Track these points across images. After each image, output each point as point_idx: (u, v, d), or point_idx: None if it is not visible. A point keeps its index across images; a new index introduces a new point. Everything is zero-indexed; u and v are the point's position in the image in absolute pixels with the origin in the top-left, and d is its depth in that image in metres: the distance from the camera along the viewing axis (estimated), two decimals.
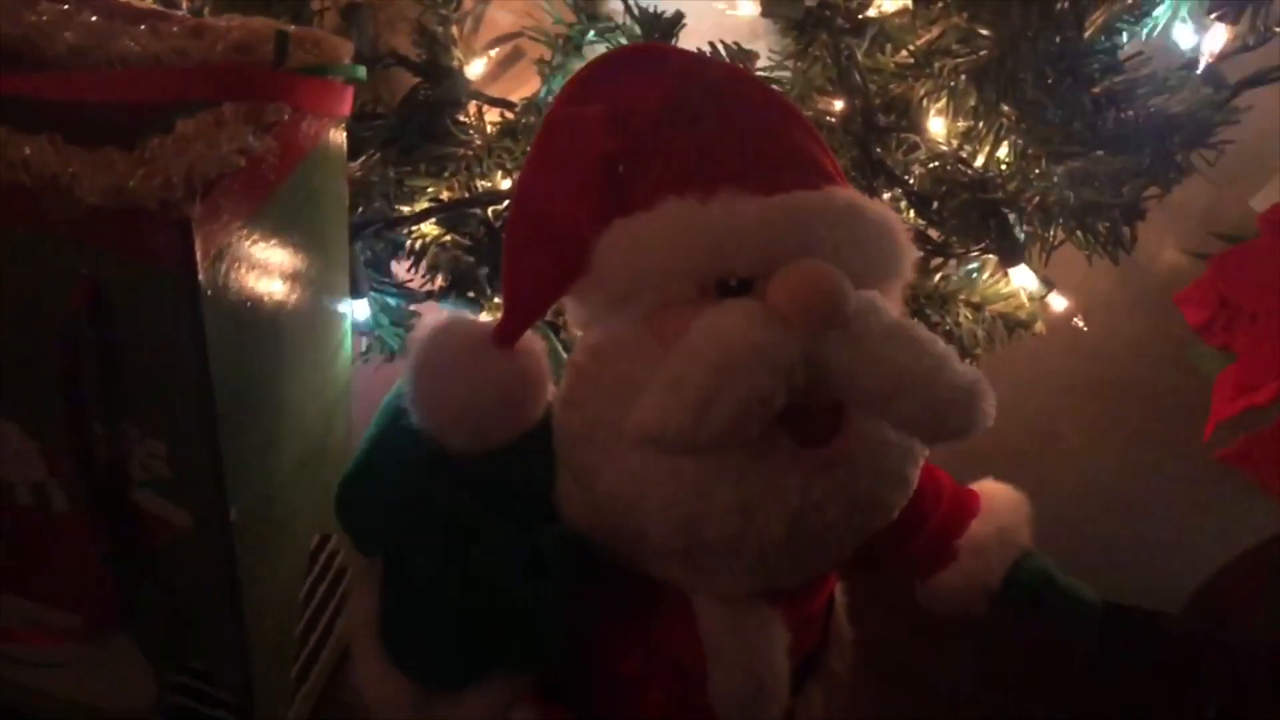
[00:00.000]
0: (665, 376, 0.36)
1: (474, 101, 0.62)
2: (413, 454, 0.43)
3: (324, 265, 0.53)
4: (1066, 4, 0.52)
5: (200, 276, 0.41)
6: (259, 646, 0.57)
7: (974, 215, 0.53)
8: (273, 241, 0.47)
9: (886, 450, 0.40)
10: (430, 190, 0.62)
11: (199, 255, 0.41)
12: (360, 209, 0.57)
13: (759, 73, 0.56)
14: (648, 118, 0.40)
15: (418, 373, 0.42)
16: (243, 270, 0.45)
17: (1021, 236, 0.54)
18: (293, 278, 0.50)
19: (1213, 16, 0.50)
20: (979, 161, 0.56)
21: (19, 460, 0.51)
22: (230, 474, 0.48)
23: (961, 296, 0.58)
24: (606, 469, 0.40)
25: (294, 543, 0.58)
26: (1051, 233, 0.54)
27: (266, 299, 0.48)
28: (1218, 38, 0.53)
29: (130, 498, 0.49)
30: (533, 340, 0.43)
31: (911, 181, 0.55)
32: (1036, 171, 0.55)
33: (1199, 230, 0.67)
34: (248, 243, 0.45)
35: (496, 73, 0.67)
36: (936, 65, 0.54)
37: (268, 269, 0.47)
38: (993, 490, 0.53)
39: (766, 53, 0.60)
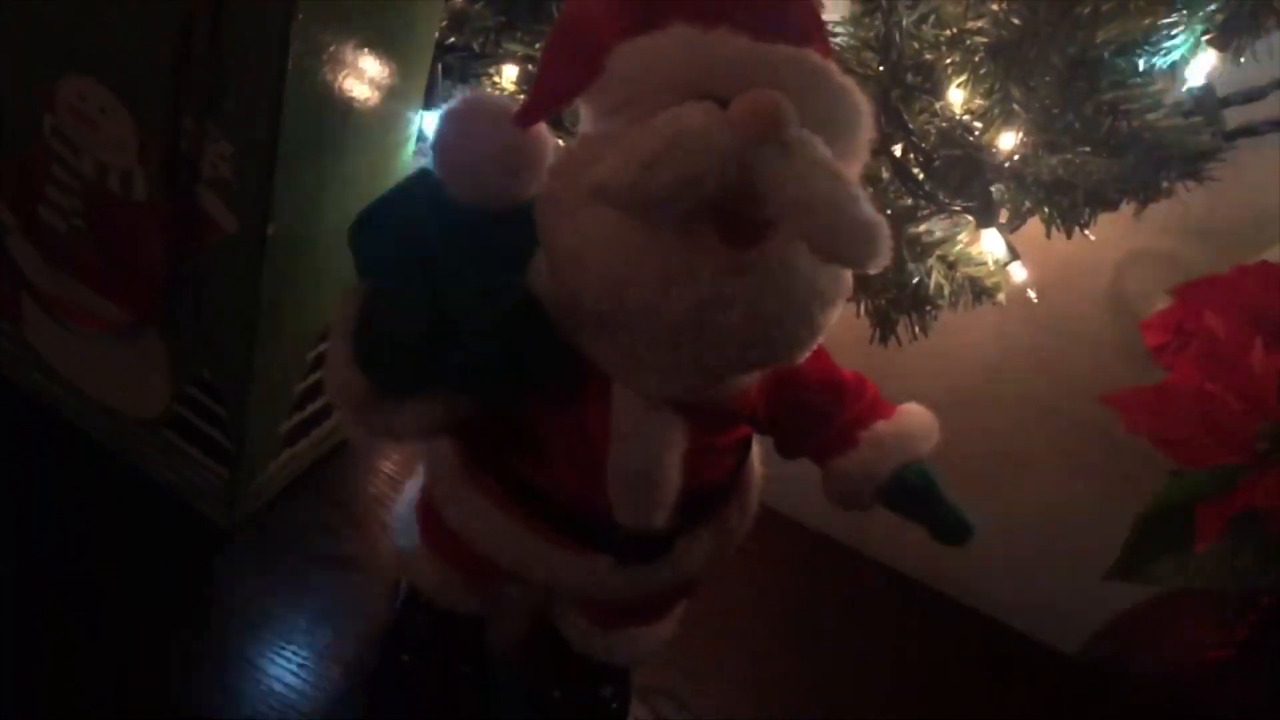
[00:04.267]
0: (624, 142, 0.44)
1: None
2: (425, 196, 0.52)
3: (403, 63, 0.63)
4: (1087, 10, 0.58)
5: (298, 17, 0.51)
6: (261, 374, 0.66)
7: (961, 171, 0.60)
8: (363, 23, 0.56)
9: (797, 279, 0.47)
10: (520, 54, 0.71)
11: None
12: (451, 37, 0.66)
13: None
14: None
15: (445, 120, 0.51)
16: (330, 34, 0.54)
17: (999, 200, 0.60)
18: (373, 59, 0.60)
19: (1205, 38, 0.56)
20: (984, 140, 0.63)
21: (119, 147, 0.61)
22: (279, 192, 0.58)
23: (939, 251, 0.64)
24: (562, 228, 0.48)
25: (316, 299, 0.67)
26: (1024, 204, 0.61)
27: (346, 66, 0.58)
28: (1205, 66, 0.59)
29: (196, 192, 0.59)
30: (544, 129, 0.52)
31: (917, 134, 0.62)
32: (1038, 159, 0.61)
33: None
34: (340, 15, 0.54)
35: None
36: (967, 41, 0.62)
37: (353, 42, 0.56)
38: (912, 408, 0.59)
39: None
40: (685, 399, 0.52)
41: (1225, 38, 0.55)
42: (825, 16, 0.67)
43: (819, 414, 0.58)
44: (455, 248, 0.51)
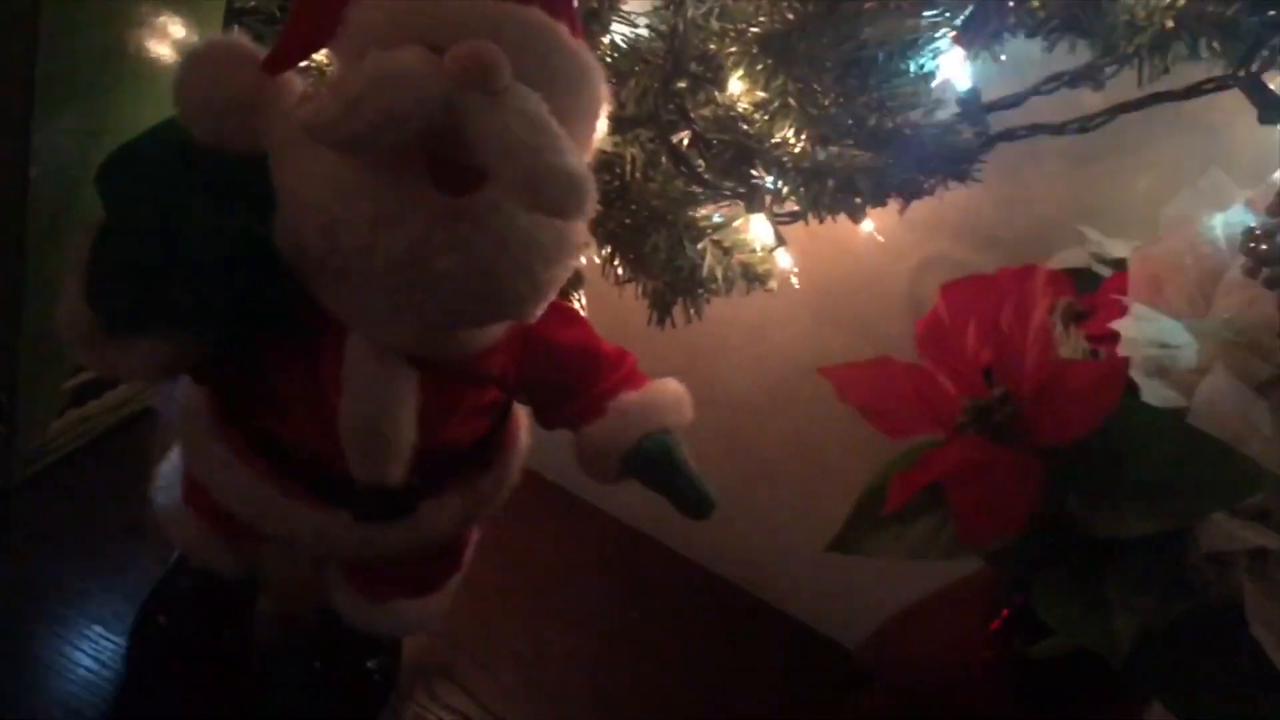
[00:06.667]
0: (332, 80, 0.45)
1: None
2: (174, 140, 0.52)
3: (190, 17, 0.63)
4: (851, 6, 0.60)
5: None
6: (33, 324, 0.65)
7: (732, 156, 0.61)
8: None
9: (514, 230, 0.48)
10: None
11: None
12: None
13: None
14: None
15: (186, 62, 0.51)
16: None
17: (768, 187, 0.62)
18: (151, 9, 0.60)
19: (950, 36, 0.58)
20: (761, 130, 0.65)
21: None
22: (39, 135, 0.57)
23: (715, 236, 0.66)
24: (285, 169, 0.48)
25: None
26: (783, 188, 0.62)
27: (117, 14, 0.58)
28: (959, 67, 0.61)
29: None
30: (292, 77, 0.52)
31: (697, 122, 0.64)
32: (800, 148, 0.63)
33: None
34: None
35: None
36: (747, 33, 0.63)
37: None
38: (664, 382, 0.60)
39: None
40: (420, 352, 0.53)
41: (968, 36, 0.57)
42: (627, 8, 0.69)
43: (573, 383, 0.59)
44: (194, 189, 0.51)
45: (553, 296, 0.52)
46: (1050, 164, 0.74)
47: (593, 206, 0.47)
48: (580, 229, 0.51)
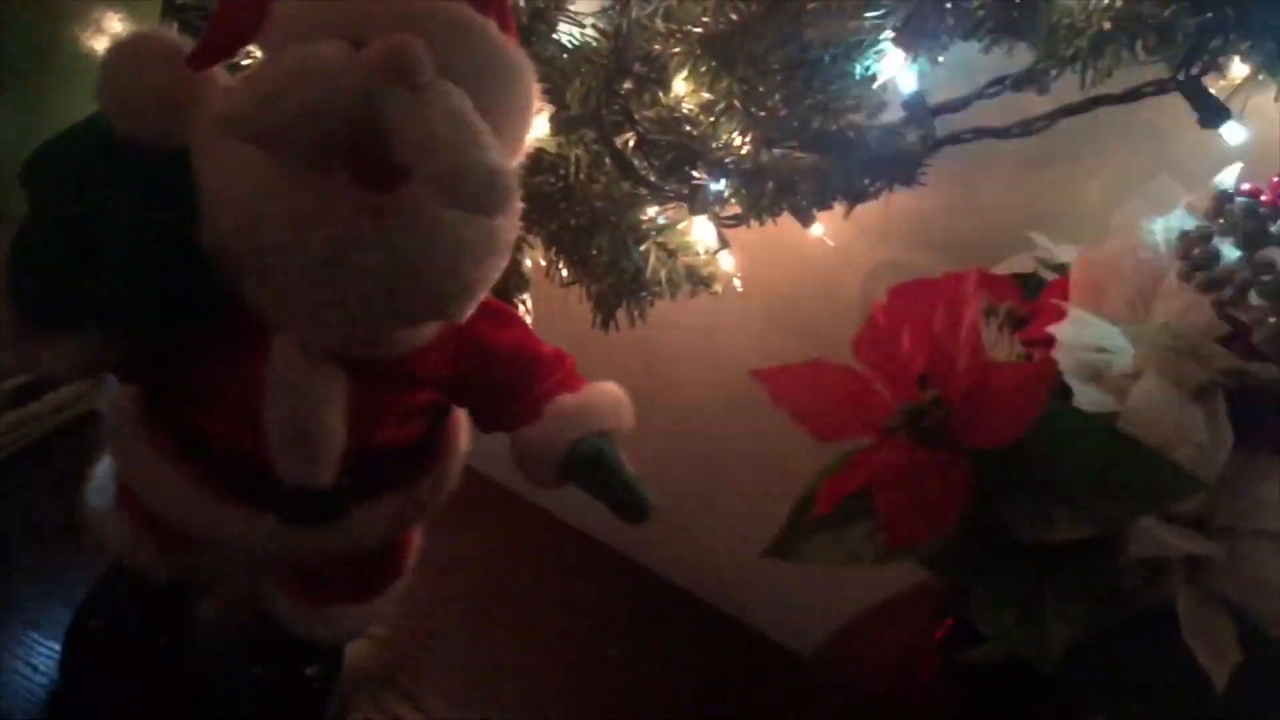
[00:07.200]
0: (249, 74, 0.44)
1: None
2: (100, 134, 0.51)
3: (128, 11, 0.62)
4: (794, 6, 0.60)
5: None
6: None
7: (674, 157, 0.61)
8: None
9: (439, 229, 0.47)
10: None
11: None
12: None
13: None
14: None
15: (109, 55, 0.50)
16: None
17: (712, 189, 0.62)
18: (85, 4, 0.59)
19: (890, 39, 0.58)
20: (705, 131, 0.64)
21: None
22: None
23: (659, 239, 0.65)
24: (206, 166, 0.48)
25: None
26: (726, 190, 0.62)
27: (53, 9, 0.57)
28: (906, 70, 0.61)
29: None
30: (219, 73, 0.51)
31: (640, 124, 0.63)
32: (745, 150, 0.63)
33: None
34: None
35: None
36: (692, 32, 0.63)
37: None
38: (603, 385, 0.59)
39: None
40: (348, 353, 0.52)
41: (907, 38, 0.57)
42: (575, 8, 0.69)
43: (510, 385, 0.58)
44: (116, 184, 0.50)
45: (483, 296, 0.52)
46: (1003, 170, 0.74)
47: (516, 203, 0.46)
48: (510, 227, 0.51)
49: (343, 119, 0.44)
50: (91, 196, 0.49)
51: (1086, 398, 0.49)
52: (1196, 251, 0.50)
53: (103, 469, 0.65)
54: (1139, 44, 0.54)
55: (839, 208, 0.66)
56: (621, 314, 0.67)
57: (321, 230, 0.46)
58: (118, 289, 0.49)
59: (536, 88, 0.51)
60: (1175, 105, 0.64)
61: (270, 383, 0.51)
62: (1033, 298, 0.62)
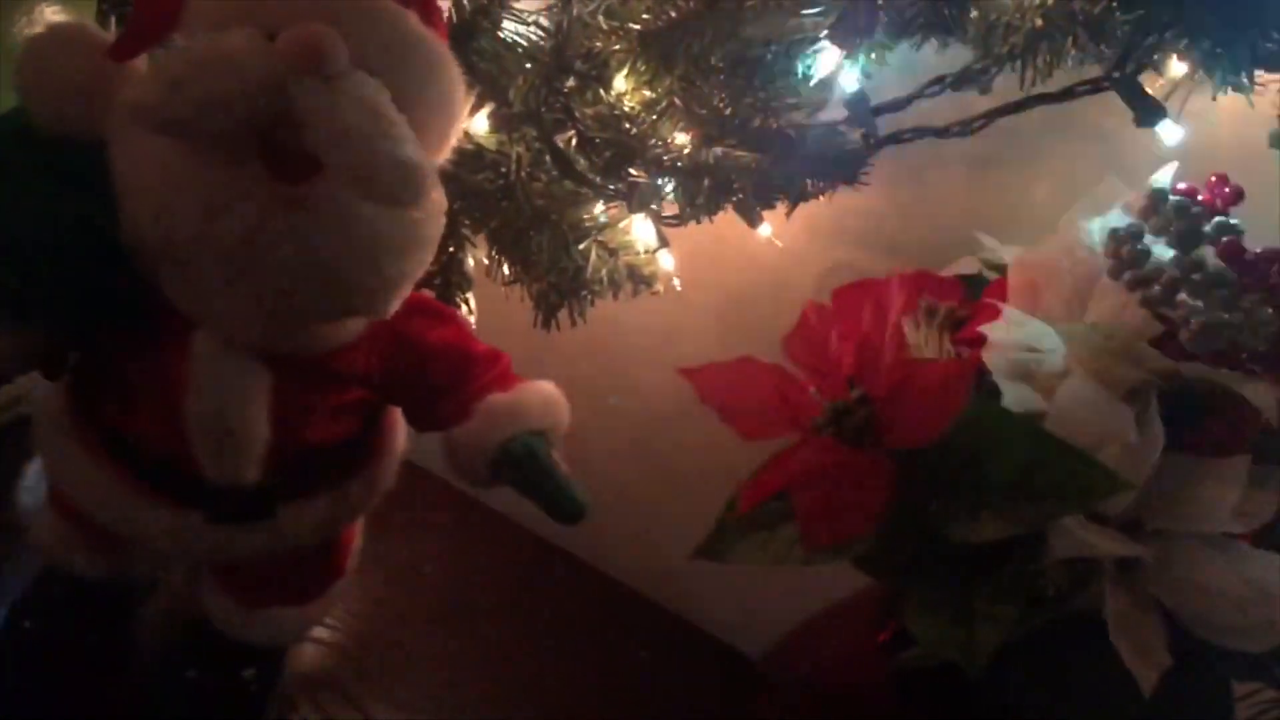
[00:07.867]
0: (158, 63, 0.44)
1: None
2: (17, 126, 0.51)
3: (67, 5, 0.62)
4: (732, 4, 0.59)
5: None
6: None
7: (613, 155, 0.60)
8: None
9: (356, 222, 0.46)
10: None
11: None
12: None
13: None
14: None
15: (28, 46, 0.49)
16: None
17: (649, 187, 0.61)
18: None
19: (824, 35, 0.57)
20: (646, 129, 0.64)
21: None
22: None
23: (600, 237, 0.64)
24: (119, 156, 0.47)
25: None
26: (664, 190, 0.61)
27: None
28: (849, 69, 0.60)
29: None
30: (140, 62, 0.51)
31: (581, 121, 0.62)
32: (687, 150, 0.62)
33: None
34: None
35: None
36: (633, 30, 0.62)
37: None
38: (535, 384, 0.59)
39: None
40: (270, 348, 0.51)
41: (841, 35, 0.56)
42: (519, 5, 0.68)
43: (443, 384, 0.58)
44: (31, 174, 0.50)
45: (407, 291, 0.51)
46: (956, 172, 0.73)
47: (437, 197, 0.45)
48: (433, 221, 0.50)
49: (252, 108, 0.43)
50: (3, 187, 0.48)
51: (1015, 397, 0.49)
52: (1125, 250, 0.49)
53: (35, 468, 0.64)
54: (1071, 41, 0.54)
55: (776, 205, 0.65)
56: (563, 314, 0.66)
57: (233, 221, 0.45)
58: (30, 281, 0.48)
59: (462, 81, 0.50)
60: (1123, 106, 0.64)
61: (191, 378, 0.50)
62: (978, 299, 0.62)
